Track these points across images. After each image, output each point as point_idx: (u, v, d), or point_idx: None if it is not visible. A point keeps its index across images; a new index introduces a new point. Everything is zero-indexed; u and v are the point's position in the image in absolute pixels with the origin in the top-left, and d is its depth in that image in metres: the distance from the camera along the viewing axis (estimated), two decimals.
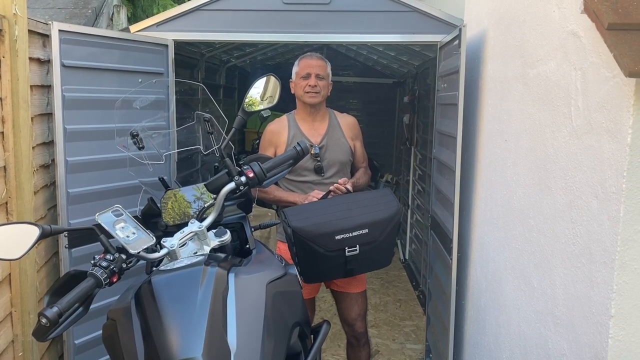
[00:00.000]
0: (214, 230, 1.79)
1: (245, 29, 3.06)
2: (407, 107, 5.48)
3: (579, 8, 1.60)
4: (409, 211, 5.47)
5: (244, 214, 2.00)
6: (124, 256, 1.53)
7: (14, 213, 2.17)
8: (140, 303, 1.46)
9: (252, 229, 1.98)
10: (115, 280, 1.51)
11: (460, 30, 2.60)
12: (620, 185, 1.41)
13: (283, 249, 2.64)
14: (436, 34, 3.01)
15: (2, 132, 2.12)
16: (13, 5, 2.09)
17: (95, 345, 2.62)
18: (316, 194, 2.56)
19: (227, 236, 1.77)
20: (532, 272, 1.97)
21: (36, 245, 1.49)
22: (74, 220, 2.52)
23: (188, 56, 4.37)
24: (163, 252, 1.65)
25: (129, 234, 1.56)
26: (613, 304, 1.44)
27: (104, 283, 1.47)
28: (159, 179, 1.99)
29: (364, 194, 2.56)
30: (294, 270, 1.77)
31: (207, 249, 1.74)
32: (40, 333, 1.39)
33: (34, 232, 1.47)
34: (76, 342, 2.58)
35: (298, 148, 1.94)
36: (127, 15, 4.80)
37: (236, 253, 1.89)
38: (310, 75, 2.64)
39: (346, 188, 2.54)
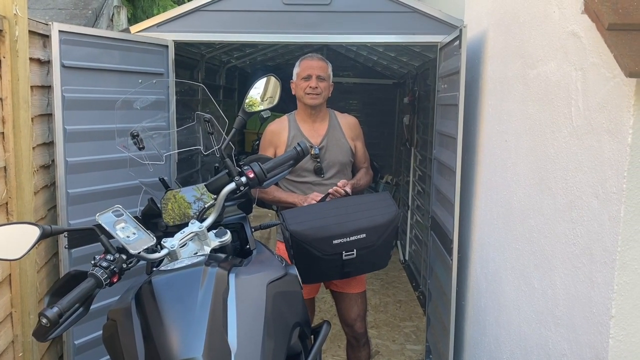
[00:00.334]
0: (214, 231, 1.79)
1: (245, 29, 3.06)
2: (407, 108, 5.48)
3: (579, 8, 1.60)
4: (409, 212, 5.47)
5: (244, 215, 2.00)
6: (124, 256, 1.53)
7: (14, 213, 2.16)
8: (140, 303, 1.45)
9: (253, 230, 1.98)
10: (115, 280, 1.51)
11: (460, 30, 2.60)
12: (620, 185, 1.41)
13: (283, 249, 2.63)
14: (436, 34, 3.01)
15: (3, 133, 2.12)
16: (14, 5, 2.09)
17: (95, 345, 2.61)
18: (315, 196, 2.56)
19: (228, 236, 1.77)
20: (532, 273, 1.97)
21: (36, 245, 1.49)
22: (74, 220, 2.52)
23: (188, 57, 4.38)
24: (163, 252, 1.65)
25: (130, 234, 1.56)
26: (614, 304, 1.44)
27: (104, 283, 1.47)
28: (159, 179, 1.99)
29: (362, 198, 2.56)
30: (294, 271, 1.77)
31: (207, 250, 1.73)
32: (40, 333, 1.38)
33: (34, 232, 1.47)
34: (76, 342, 2.58)
35: (298, 148, 1.94)
36: (127, 16, 4.80)
37: (236, 253, 1.89)
38: (311, 76, 2.64)
39: (345, 191, 2.54)
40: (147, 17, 4.21)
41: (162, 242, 1.67)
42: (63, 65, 2.45)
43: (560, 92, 1.76)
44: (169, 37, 3.03)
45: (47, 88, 2.47)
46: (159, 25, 3.01)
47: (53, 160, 2.50)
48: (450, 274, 2.75)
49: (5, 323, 2.14)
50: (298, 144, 1.96)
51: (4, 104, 2.11)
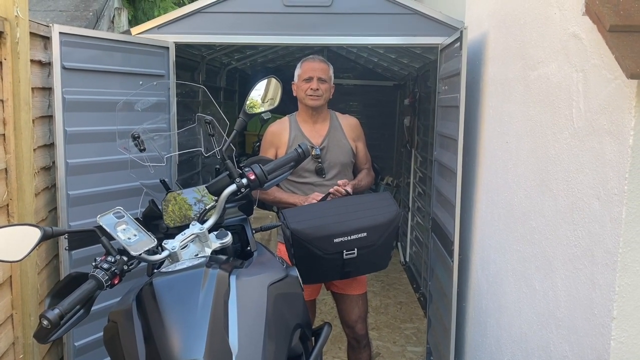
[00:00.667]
0: (215, 233, 1.79)
1: (246, 31, 3.06)
2: (408, 109, 5.49)
3: (580, 10, 1.60)
4: (410, 213, 5.46)
5: (245, 216, 2.00)
6: (125, 258, 1.53)
7: (15, 215, 2.16)
8: (141, 305, 1.45)
9: (253, 231, 1.98)
10: (116, 282, 1.51)
11: (461, 32, 2.60)
12: (622, 187, 1.40)
13: (284, 250, 2.63)
14: (437, 36, 3.01)
15: (4, 135, 2.12)
16: (15, 7, 2.09)
17: (95, 347, 2.61)
18: (316, 196, 2.57)
19: (229, 238, 1.77)
20: (533, 274, 1.97)
21: (37, 247, 1.49)
22: (74, 222, 2.52)
23: (189, 58, 4.38)
24: (164, 254, 1.65)
25: (130, 235, 1.56)
26: (615, 305, 1.43)
27: (105, 285, 1.47)
28: (160, 181, 1.99)
29: (363, 197, 2.56)
30: (295, 272, 1.77)
31: (208, 251, 1.73)
32: (41, 335, 1.38)
33: (35, 234, 1.47)
34: (76, 344, 2.58)
35: (299, 150, 1.95)
36: (128, 18, 4.81)
37: (237, 255, 1.89)
38: (312, 78, 2.65)
39: (345, 190, 2.54)
40: (148, 19, 4.22)
41: (163, 244, 1.67)
42: (63, 67, 2.45)
43: (562, 93, 1.76)
44: (170, 38, 3.03)
45: (48, 90, 2.47)
46: (159, 27, 3.02)
47: (54, 162, 2.50)
48: (451, 276, 2.74)
49: (5, 325, 2.14)
50: (299, 145, 1.96)
51: (5, 106, 2.12)
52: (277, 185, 2.62)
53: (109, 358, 1.52)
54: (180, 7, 3.55)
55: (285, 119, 2.79)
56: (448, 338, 2.81)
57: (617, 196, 1.43)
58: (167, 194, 1.95)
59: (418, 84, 5.14)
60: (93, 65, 2.61)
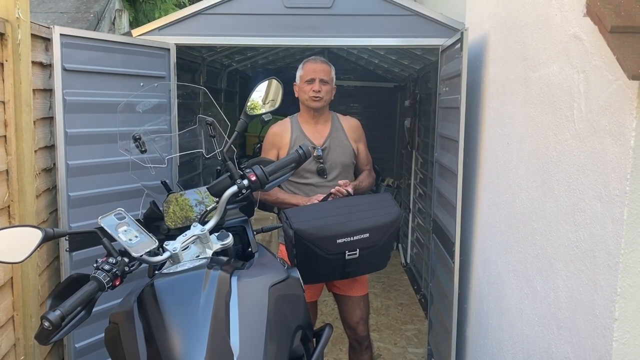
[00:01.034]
0: (216, 234, 1.79)
1: (247, 32, 3.06)
2: (408, 110, 5.49)
3: (581, 11, 1.60)
4: (410, 215, 5.46)
5: (246, 218, 2.00)
6: (126, 259, 1.53)
7: (16, 216, 2.16)
8: (142, 306, 1.45)
9: (254, 233, 1.98)
10: (117, 283, 1.51)
11: (462, 33, 2.60)
12: (623, 187, 1.40)
13: (285, 251, 2.63)
14: (438, 37, 3.01)
15: (5, 136, 2.12)
16: (16, 9, 2.10)
17: (95, 349, 2.61)
18: (318, 197, 2.57)
19: (230, 239, 1.77)
20: (535, 276, 1.96)
21: (38, 248, 1.49)
22: (75, 223, 2.52)
23: (190, 60, 4.38)
24: (165, 255, 1.65)
25: (132, 237, 1.56)
26: (617, 307, 1.43)
27: (106, 286, 1.47)
28: (161, 182, 1.99)
29: (365, 198, 2.56)
30: (296, 274, 1.77)
31: (209, 253, 1.73)
32: (42, 336, 1.38)
33: (36, 235, 1.47)
34: (77, 345, 2.58)
35: (300, 151, 1.95)
36: (129, 20, 4.81)
37: (238, 256, 1.89)
38: (314, 80, 2.65)
39: (347, 191, 2.54)
40: (149, 21, 4.22)
41: (164, 245, 1.67)
42: (64, 69, 2.45)
43: (563, 94, 1.76)
44: (171, 40, 3.03)
45: (49, 91, 2.48)
46: (160, 28, 3.02)
47: (54, 164, 2.50)
48: (452, 277, 2.74)
49: (7, 326, 2.14)
50: (300, 146, 1.96)
51: (7, 107, 2.12)
52: (279, 186, 2.62)
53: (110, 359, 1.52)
54: (181, 8, 3.56)
55: (287, 120, 2.79)
56: (449, 339, 2.81)
57: (619, 197, 1.42)
58: (168, 195, 1.95)
59: (419, 86, 5.14)
60: (94, 66, 2.61)
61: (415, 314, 4.39)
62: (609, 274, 1.47)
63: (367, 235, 2.31)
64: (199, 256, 1.71)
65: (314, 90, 2.64)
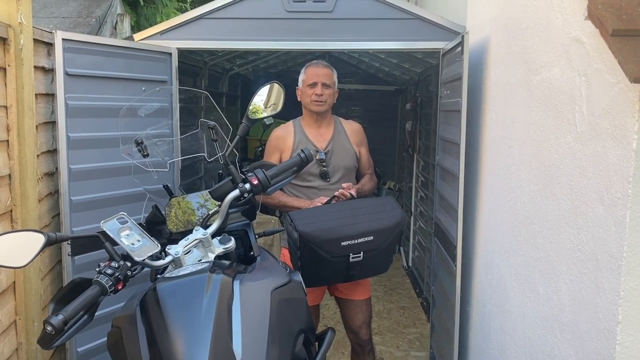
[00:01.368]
0: (219, 238, 1.79)
1: (248, 37, 3.07)
2: (410, 114, 5.49)
3: (582, 14, 1.60)
4: (412, 218, 5.46)
5: (248, 221, 2.00)
6: (129, 263, 1.53)
7: (18, 221, 2.17)
8: (145, 310, 1.45)
9: (256, 236, 1.98)
10: (120, 287, 1.51)
11: (462, 37, 2.60)
12: (626, 190, 1.40)
13: (287, 255, 2.63)
14: (439, 40, 3.01)
15: (7, 141, 2.13)
16: (19, 14, 2.10)
17: (98, 353, 2.61)
18: (322, 200, 2.57)
19: (232, 243, 1.77)
20: (537, 279, 1.96)
21: (41, 253, 1.49)
22: (77, 228, 2.52)
23: (191, 64, 4.39)
24: (168, 259, 1.65)
25: (134, 241, 1.56)
26: (620, 309, 1.43)
27: (109, 290, 1.47)
28: (164, 186, 2.00)
29: (368, 201, 2.56)
30: (299, 277, 1.77)
31: (211, 256, 1.74)
32: (45, 341, 1.39)
33: (39, 239, 1.47)
34: (79, 349, 2.58)
35: (302, 155, 1.95)
36: (131, 24, 4.83)
37: (240, 260, 1.89)
38: (316, 84, 2.66)
39: (350, 194, 2.54)
40: (151, 25, 4.23)
41: (166, 249, 1.68)
42: (66, 73, 2.46)
43: (564, 97, 1.76)
44: (173, 44, 3.04)
45: (52, 96, 2.48)
46: (162, 33, 3.03)
47: (57, 168, 2.51)
48: (454, 280, 2.74)
49: (9, 331, 2.14)
50: (302, 150, 1.96)
51: (9, 112, 2.12)
52: (281, 189, 2.63)
53: None
54: (182, 13, 3.57)
55: (290, 123, 2.80)
56: (451, 343, 2.80)
57: (621, 200, 1.42)
58: (170, 199, 1.96)
59: (420, 89, 5.15)
60: (96, 71, 2.62)
61: (417, 317, 4.38)
62: (611, 277, 1.47)
63: (371, 238, 2.31)
64: (201, 260, 1.71)
65: (316, 94, 2.65)
